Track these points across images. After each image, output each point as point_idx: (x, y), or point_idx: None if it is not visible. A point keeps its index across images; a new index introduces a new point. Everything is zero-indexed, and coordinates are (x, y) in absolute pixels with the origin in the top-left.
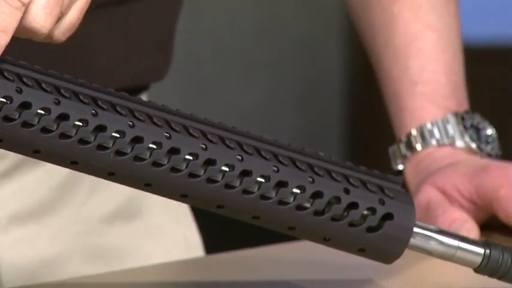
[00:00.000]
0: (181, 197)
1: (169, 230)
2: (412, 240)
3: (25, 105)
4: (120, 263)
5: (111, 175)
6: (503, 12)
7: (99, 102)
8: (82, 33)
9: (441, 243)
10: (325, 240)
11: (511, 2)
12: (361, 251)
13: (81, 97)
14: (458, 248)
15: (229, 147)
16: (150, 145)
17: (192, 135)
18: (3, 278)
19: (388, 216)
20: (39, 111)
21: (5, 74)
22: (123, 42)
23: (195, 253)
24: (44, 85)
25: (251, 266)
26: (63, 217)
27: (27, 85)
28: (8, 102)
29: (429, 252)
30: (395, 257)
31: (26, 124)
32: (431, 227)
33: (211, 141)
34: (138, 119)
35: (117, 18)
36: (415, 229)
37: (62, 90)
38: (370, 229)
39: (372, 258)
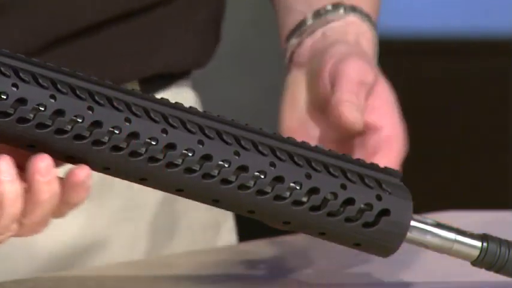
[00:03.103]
0: (177, 192)
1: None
2: (409, 234)
3: (21, 101)
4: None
5: (106, 170)
6: (499, 5)
7: (96, 97)
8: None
9: (438, 236)
10: (321, 234)
11: None
12: (356, 245)
13: (78, 92)
14: (455, 241)
15: (226, 142)
16: (147, 140)
17: (189, 131)
18: (38, 263)
19: (384, 212)
20: (35, 107)
21: (2, 69)
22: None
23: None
24: (40, 80)
25: (247, 259)
26: (102, 205)
27: (23, 80)
28: (4, 98)
29: (426, 246)
30: (391, 251)
31: (21, 120)
32: (429, 220)
33: (208, 136)
34: (135, 114)
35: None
36: (412, 222)
37: (58, 85)
38: (366, 225)
39: (367, 252)
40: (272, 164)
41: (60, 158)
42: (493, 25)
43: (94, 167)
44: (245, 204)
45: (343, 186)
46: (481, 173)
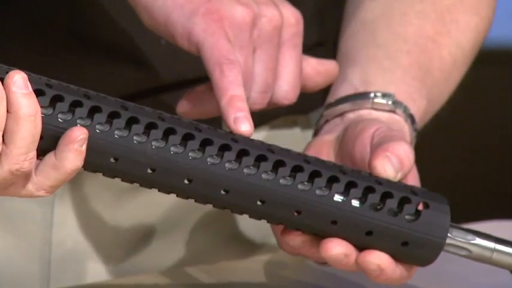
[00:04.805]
0: (260, 202)
1: None
2: (448, 242)
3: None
4: None
5: (153, 171)
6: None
7: (125, 105)
8: None
9: (477, 245)
10: (369, 235)
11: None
12: (404, 245)
13: (105, 95)
14: (495, 250)
15: (271, 151)
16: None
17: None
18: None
19: (424, 205)
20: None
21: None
22: None
23: None
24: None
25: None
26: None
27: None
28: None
29: (465, 255)
30: (439, 247)
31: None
32: (467, 229)
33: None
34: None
35: None
36: (451, 230)
37: (88, 93)
38: (409, 219)
39: (415, 253)
40: (306, 161)
41: (106, 159)
42: (495, 34)
43: (140, 169)
44: (292, 204)
45: (378, 182)
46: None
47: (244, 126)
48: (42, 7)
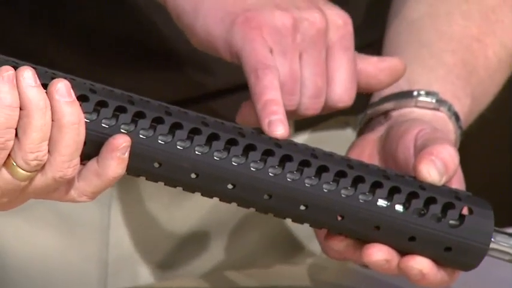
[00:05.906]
0: (304, 207)
1: None
2: (492, 246)
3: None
4: None
5: (197, 176)
6: None
7: (169, 110)
8: None
9: None
10: (411, 240)
11: None
12: (447, 250)
13: (152, 102)
14: None
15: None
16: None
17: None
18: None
19: (468, 211)
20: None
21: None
22: None
23: None
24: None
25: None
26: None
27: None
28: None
29: (510, 259)
30: (482, 252)
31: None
32: (509, 231)
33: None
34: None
35: None
36: (495, 235)
37: (132, 98)
38: (453, 224)
39: (458, 259)
40: (349, 166)
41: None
42: None
43: (184, 175)
44: (335, 209)
45: (422, 187)
46: None
47: (278, 129)
48: (99, 15)
